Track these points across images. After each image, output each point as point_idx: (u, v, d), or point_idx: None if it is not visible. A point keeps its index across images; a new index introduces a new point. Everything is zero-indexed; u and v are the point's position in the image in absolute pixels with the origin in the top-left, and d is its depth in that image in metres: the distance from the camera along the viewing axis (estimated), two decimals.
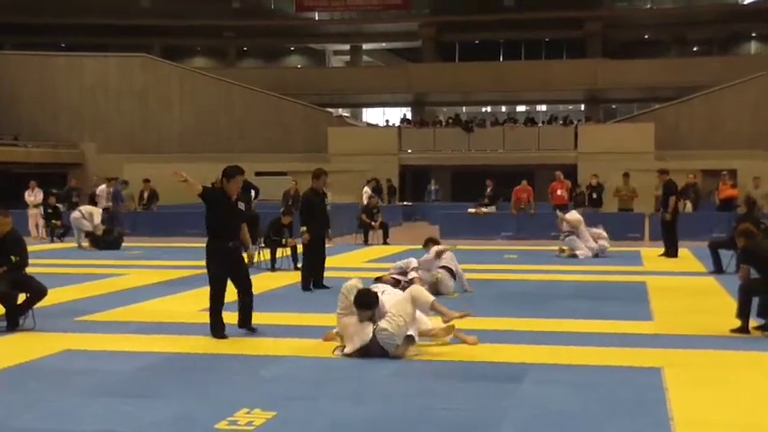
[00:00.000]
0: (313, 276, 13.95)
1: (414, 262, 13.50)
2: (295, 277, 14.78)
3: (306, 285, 13.84)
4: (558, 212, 20.96)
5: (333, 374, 8.11)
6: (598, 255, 20.20)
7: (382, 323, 8.52)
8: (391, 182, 37.86)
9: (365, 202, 26.74)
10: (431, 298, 8.86)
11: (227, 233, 9.75)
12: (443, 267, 13.59)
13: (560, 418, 6.52)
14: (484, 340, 9.49)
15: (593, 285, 14.91)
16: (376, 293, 8.85)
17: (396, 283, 12.21)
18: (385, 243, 24.81)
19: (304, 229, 13.83)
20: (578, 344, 9.42)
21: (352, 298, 8.70)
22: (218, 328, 9.82)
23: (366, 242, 25.00)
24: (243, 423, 6.34)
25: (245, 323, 10.03)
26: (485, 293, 13.66)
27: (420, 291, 8.78)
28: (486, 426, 6.28)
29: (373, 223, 25.18)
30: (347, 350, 8.63)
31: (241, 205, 10.04)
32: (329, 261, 15.09)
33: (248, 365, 8.51)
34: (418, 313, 8.76)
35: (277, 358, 8.83)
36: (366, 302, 8.71)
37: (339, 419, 6.54)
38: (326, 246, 14.43)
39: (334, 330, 9.00)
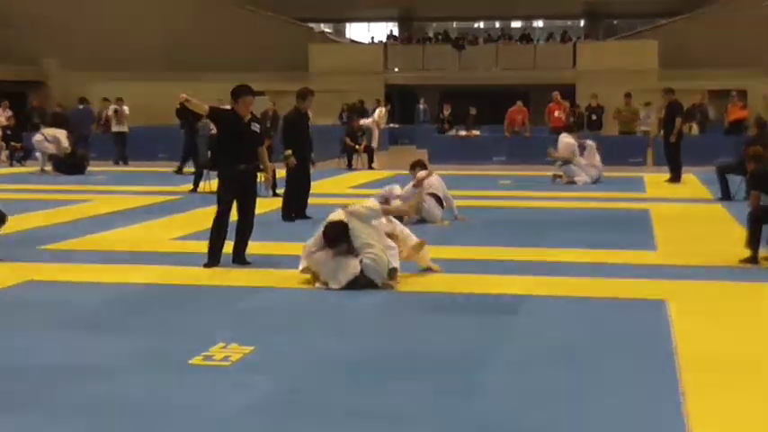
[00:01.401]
0: (296, 205, 13.78)
1: (397, 189, 13.38)
2: (272, 204, 14.60)
3: (287, 214, 13.70)
4: (550, 149, 20.71)
5: (315, 307, 8.07)
6: (598, 180, 20.16)
7: (367, 255, 8.51)
8: (381, 102, 37.20)
9: (378, 124, 27.30)
10: (376, 206, 9.07)
11: (240, 156, 9.81)
12: (430, 194, 13.49)
13: (558, 352, 6.52)
14: (475, 270, 9.46)
15: (593, 213, 14.89)
16: (344, 223, 8.78)
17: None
18: (370, 168, 24.85)
19: (289, 152, 13.63)
20: (577, 274, 9.40)
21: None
22: (212, 255, 9.85)
23: (350, 167, 25.07)
24: (218, 358, 6.28)
25: (239, 256, 10.01)
26: (477, 221, 13.62)
27: (359, 210, 8.83)
28: (479, 360, 6.29)
29: (357, 147, 25.32)
30: (333, 286, 8.60)
31: (255, 127, 10.01)
32: (313, 186, 14.96)
33: (224, 297, 8.47)
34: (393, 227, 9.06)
35: (255, 289, 8.77)
36: (335, 235, 8.69)
37: (323, 355, 6.50)
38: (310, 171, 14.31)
39: (300, 267, 8.89)
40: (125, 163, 26.51)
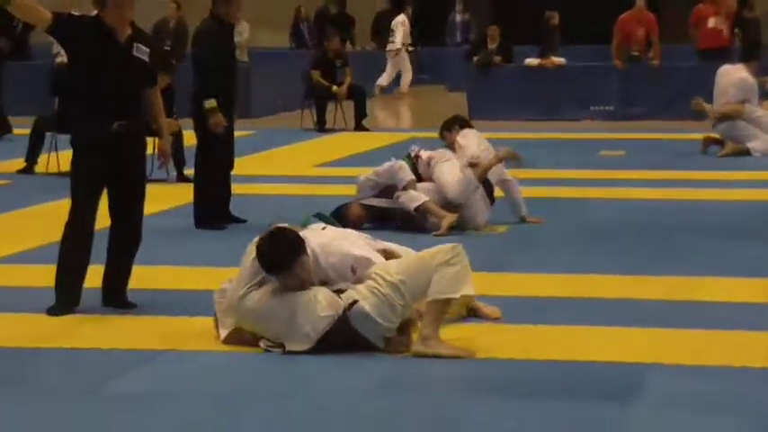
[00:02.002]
0: (221, 198, 10.21)
1: (405, 169, 9.78)
2: (179, 195, 11.24)
3: (203, 215, 10.12)
4: (698, 100, 15.42)
5: (259, 390, 5.86)
6: None
7: (362, 298, 6.22)
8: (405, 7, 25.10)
9: (400, 42, 21.89)
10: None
11: (110, 108, 7.13)
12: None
13: None
14: (557, 318, 7.24)
15: None
16: (296, 234, 6.51)
17: (369, 213, 9.48)
18: (358, 128, 17.51)
19: (212, 102, 9.90)
20: (747, 326, 7.08)
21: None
22: (62, 296, 7.23)
23: (321, 126, 17.55)
24: None
25: (115, 293, 7.42)
26: (558, 225, 10.60)
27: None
28: None
29: (335, 87, 17.52)
30: (292, 347, 6.30)
31: (140, 52, 7.25)
32: (246, 166, 11.66)
33: (86, 373, 6.15)
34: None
35: (146, 355, 6.41)
36: (283, 254, 6.26)
37: None
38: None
39: (222, 335, 6.55)
40: None
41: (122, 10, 7.06)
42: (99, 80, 7.13)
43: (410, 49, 23.65)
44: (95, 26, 7.16)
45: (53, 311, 7.08)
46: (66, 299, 7.14)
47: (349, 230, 7.09)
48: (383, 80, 22.86)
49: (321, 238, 6.54)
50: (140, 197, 7.41)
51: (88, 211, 7.22)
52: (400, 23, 23.08)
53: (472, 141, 10.19)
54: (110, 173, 7.23)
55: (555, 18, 21.99)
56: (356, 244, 6.65)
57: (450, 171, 9.73)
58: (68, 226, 7.23)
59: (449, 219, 9.36)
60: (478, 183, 9.45)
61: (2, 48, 15.54)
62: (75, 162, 7.33)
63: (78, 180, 7.24)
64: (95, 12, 7.29)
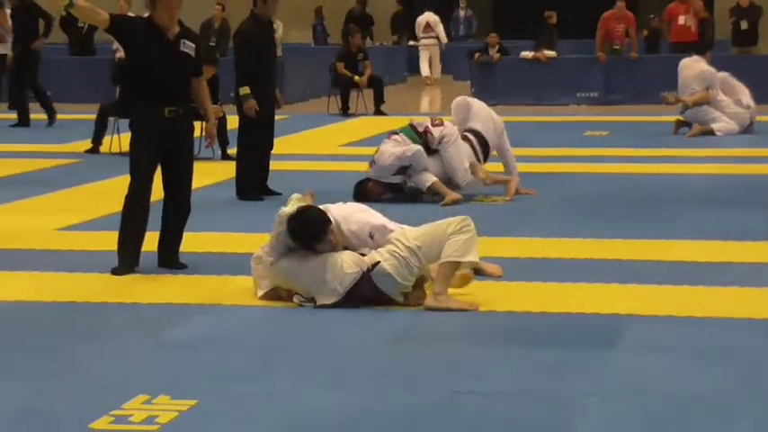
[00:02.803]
0: (259, 173, 10.79)
1: (425, 158, 10.32)
2: (223, 172, 11.78)
3: (245, 189, 10.69)
4: (668, 94, 16.32)
5: (291, 337, 6.40)
6: (750, 129, 15.94)
7: (384, 260, 6.69)
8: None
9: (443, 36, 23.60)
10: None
11: (163, 94, 7.64)
12: (465, 137, 10.71)
13: (681, 408, 5.09)
14: (549, 276, 7.72)
15: (741, 182, 12.16)
16: (319, 210, 6.93)
17: (386, 189, 10.09)
18: (377, 113, 18.99)
19: (246, 89, 10.51)
20: (714, 282, 7.56)
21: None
22: (124, 258, 7.71)
23: (345, 111, 19.16)
24: (138, 419, 4.83)
25: (168, 256, 7.90)
26: (549, 196, 11.11)
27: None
28: (557, 426, 4.97)
29: (357, 77, 19.22)
30: (323, 300, 6.79)
31: (187, 47, 7.75)
32: (281, 146, 12.18)
33: (145, 322, 6.66)
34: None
35: (195, 309, 6.92)
36: (313, 231, 6.73)
37: (304, 415, 5.02)
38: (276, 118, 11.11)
39: (260, 293, 7.04)
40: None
41: (171, 11, 7.50)
42: (152, 72, 7.53)
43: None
44: (148, 26, 7.60)
45: (116, 271, 7.53)
46: (127, 261, 7.58)
47: (364, 205, 7.51)
48: (426, 71, 24.91)
49: (342, 210, 6.99)
50: (189, 173, 7.79)
51: (145, 185, 7.62)
52: (438, 21, 25.25)
53: (482, 116, 10.76)
54: (163, 152, 7.61)
55: (553, 17, 23.23)
56: (373, 215, 7.07)
57: (459, 158, 10.28)
58: (128, 198, 7.66)
59: (453, 196, 9.99)
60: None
61: (38, 48, 16.25)
62: (133, 143, 7.73)
63: (136, 158, 7.65)
64: (147, 13, 7.72)
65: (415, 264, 6.62)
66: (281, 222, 6.71)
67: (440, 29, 25.57)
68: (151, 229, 7.85)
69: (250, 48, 10.23)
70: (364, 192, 10.02)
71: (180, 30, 7.62)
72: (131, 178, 7.70)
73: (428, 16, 25.82)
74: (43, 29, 16.73)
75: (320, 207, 6.93)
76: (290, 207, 6.78)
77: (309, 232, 6.65)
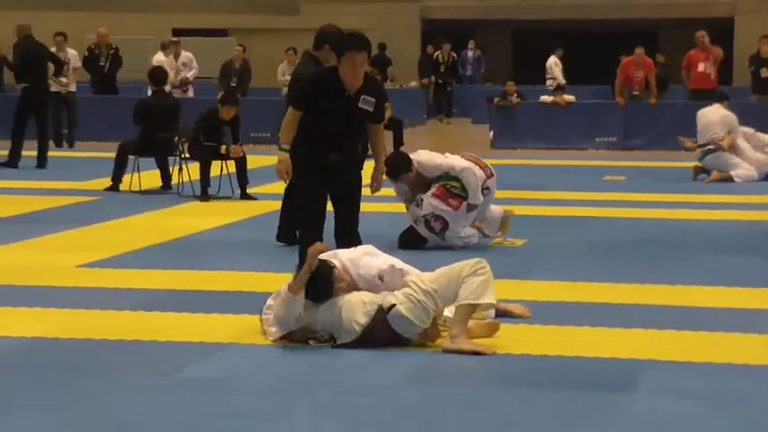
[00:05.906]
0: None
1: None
2: (243, 211, 11.76)
3: (284, 233, 10.67)
4: (684, 140, 16.48)
5: (308, 376, 6.39)
6: None
7: (399, 303, 6.73)
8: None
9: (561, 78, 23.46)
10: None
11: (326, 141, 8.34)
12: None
13: None
14: (565, 320, 7.69)
15: (756, 229, 12.23)
16: (325, 264, 6.98)
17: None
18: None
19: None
20: (726, 328, 7.55)
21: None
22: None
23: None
24: None
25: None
26: (566, 241, 11.22)
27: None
28: None
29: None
30: (340, 339, 6.87)
31: (366, 102, 8.16)
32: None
33: (163, 359, 6.67)
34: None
35: (213, 347, 6.94)
36: (322, 292, 6.83)
37: None
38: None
39: (272, 337, 7.05)
40: (69, 144, 20.36)
41: (354, 69, 7.90)
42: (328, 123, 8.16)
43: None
44: (332, 78, 8.02)
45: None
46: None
47: (372, 247, 7.47)
48: None
49: (351, 254, 7.08)
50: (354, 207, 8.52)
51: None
52: (554, 63, 25.08)
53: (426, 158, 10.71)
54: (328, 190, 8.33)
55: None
56: (381, 256, 7.15)
57: (475, 182, 10.20)
58: (301, 228, 8.43)
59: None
60: None
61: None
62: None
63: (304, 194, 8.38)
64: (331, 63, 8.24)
65: (431, 306, 6.64)
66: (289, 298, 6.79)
67: (555, 70, 25.61)
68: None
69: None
70: (410, 239, 10.21)
71: (363, 84, 8.01)
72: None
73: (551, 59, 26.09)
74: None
75: (327, 253, 7.01)
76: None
77: (321, 294, 6.81)
